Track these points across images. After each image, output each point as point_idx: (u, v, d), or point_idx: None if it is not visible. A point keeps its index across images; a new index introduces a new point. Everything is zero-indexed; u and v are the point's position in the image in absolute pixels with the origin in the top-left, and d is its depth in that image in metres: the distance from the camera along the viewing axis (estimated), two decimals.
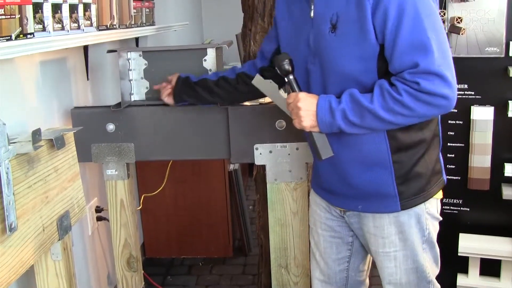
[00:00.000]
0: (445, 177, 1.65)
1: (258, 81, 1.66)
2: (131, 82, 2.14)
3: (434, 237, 1.62)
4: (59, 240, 1.70)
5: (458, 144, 2.43)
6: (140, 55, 2.13)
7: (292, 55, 1.59)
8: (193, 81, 1.94)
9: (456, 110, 2.40)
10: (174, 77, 1.99)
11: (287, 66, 1.55)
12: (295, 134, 2.01)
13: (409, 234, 1.57)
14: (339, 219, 1.72)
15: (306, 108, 1.49)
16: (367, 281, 1.86)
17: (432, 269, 1.64)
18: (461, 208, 2.50)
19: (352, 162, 1.56)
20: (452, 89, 1.37)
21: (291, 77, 1.56)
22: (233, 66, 2.01)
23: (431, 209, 1.59)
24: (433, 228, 1.61)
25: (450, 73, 1.38)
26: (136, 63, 2.14)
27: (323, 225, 1.75)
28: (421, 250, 1.60)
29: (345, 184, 1.60)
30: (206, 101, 1.95)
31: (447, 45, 1.41)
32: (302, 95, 1.51)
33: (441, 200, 1.66)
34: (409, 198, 1.55)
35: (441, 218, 1.64)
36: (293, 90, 1.55)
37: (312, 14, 1.53)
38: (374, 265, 1.77)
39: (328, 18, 1.47)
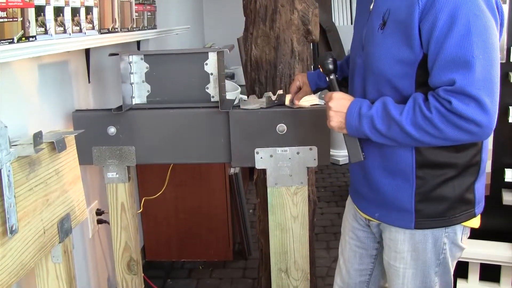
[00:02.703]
0: (478, 210, 1.52)
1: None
2: (133, 85, 2.14)
3: (451, 263, 1.55)
4: (59, 242, 1.70)
5: None
6: (141, 59, 2.14)
7: (352, 47, 1.58)
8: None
9: None
10: (302, 81, 1.95)
11: (330, 66, 1.57)
12: (296, 139, 2.01)
13: (422, 254, 1.52)
14: (365, 228, 1.69)
15: (336, 109, 1.47)
16: None
17: None
18: None
19: (378, 166, 1.52)
20: (489, 117, 1.27)
21: (332, 76, 1.57)
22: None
23: (453, 234, 1.51)
24: (451, 254, 1.53)
25: (490, 100, 1.26)
26: (137, 66, 2.14)
27: (350, 233, 1.74)
28: (433, 273, 1.54)
29: (369, 187, 1.56)
30: None
31: (496, 70, 1.29)
32: (337, 95, 1.49)
33: (472, 229, 1.55)
34: (426, 219, 1.48)
35: (465, 247, 1.55)
36: (333, 90, 1.56)
37: (371, 7, 1.49)
38: None
39: (381, 14, 1.41)
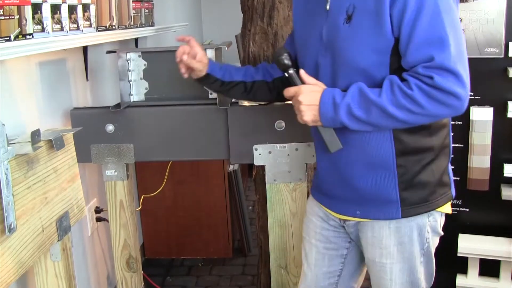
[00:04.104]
0: (453, 191, 1.58)
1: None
2: (131, 82, 2.14)
3: (433, 251, 1.58)
4: (58, 240, 1.70)
5: (457, 145, 2.43)
6: (139, 56, 2.13)
7: (303, 49, 1.57)
8: (222, 80, 1.80)
9: None
10: (200, 51, 1.76)
11: (286, 60, 1.53)
12: (294, 135, 2.01)
13: (408, 246, 1.52)
14: (337, 229, 1.66)
15: (308, 103, 1.45)
16: None
17: (425, 284, 1.60)
18: (461, 209, 2.50)
19: (355, 162, 1.50)
20: (466, 89, 1.33)
21: (291, 71, 1.53)
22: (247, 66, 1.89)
23: (434, 223, 1.54)
24: (433, 243, 1.56)
25: (465, 73, 1.33)
26: (135, 63, 2.14)
27: (317, 235, 1.69)
28: (419, 264, 1.55)
29: (346, 187, 1.54)
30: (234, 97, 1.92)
31: (464, 45, 1.36)
32: (305, 89, 1.47)
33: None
34: (411, 206, 1.49)
35: (442, 233, 1.59)
36: (295, 85, 1.52)
37: (328, 7, 1.49)
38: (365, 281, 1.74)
39: (344, 9, 1.43)
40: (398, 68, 1.39)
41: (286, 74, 1.54)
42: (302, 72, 1.51)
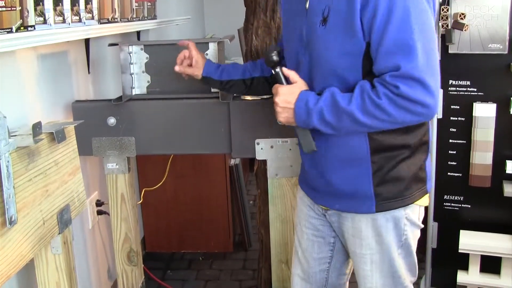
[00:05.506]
0: (429, 187, 1.59)
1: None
2: (132, 75, 2.14)
3: (412, 244, 1.58)
4: (59, 233, 1.69)
5: (459, 141, 2.43)
6: (141, 49, 2.13)
7: (288, 46, 1.59)
8: (220, 80, 1.90)
9: (458, 107, 2.40)
10: (196, 55, 1.90)
11: (275, 57, 1.55)
12: None
13: (385, 237, 1.54)
14: (322, 217, 1.69)
15: (283, 105, 1.49)
16: (347, 285, 1.83)
17: (407, 276, 1.61)
18: (462, 205, 2.49)
19: (331, 158, 1.54)
20: (434, 98, 1.32)
21: (277, 69, 1.55)
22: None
23: (412, 215, 1.55)
24: (412, 235, 1.57)
25: (434, 81, 1.32)
26: (137, 56, 2.13)
27: (306, 223, 1.73)
28: (397, 255, 1.56)
29: (324, 181, 1.58)
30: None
31: (434, 52, 1.35)
32: (282, 90, 1.50)
33: (426, 208, 1.61)
34: (386, 201, 1.51)
35: (422, 226, 1.60)
36: (280, 83, 1.55)
37: (307, 6, 1.51)
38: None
39: (320, 11, 1.44)
40: (371, 71, 1.40)
41: (273, 72, 1.57)
42: (285, 69, 1.54)
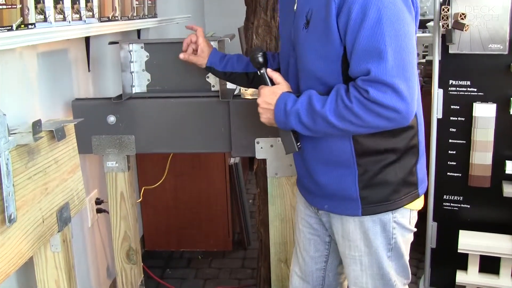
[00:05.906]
0: (421, 191, 1.56)
1: None
2: (133, 74, 2.13)
3: (403, 247, 1.57)
4: (58, 231, 1.69)
5: (459, 141, 2.43)
6: (141, 47, 2.12)
7: (282, 46, 1.61)
8: (223, 71, 1.91)
9: (458, 107, 2.40)
10: (202, 43, 1.92)
11: (260, 59, 1.56)
12: None
13: (373, 240, 1.53)
14: (317, 216, 1.70)
15: (264, 106, 1.51)
16: (345, 284, 1.82)
17: (399, 279, 1.60)
18: (462, 205, 2.50)
19: (318, 159, 1.54)
20: (406, 103, 1.29)
21: (262, 70, 1.57)
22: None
23: (401, 219, 1.53)
24: (402, 239, 1.56)
25: (406, 86, 1.29)
26: (137, 55, 2.13)
27: (303, 221, 1.74)
28: (386, 258, 1.55)
29: (312, 181, 1.59)
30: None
31: (410, 56, 1.32)
32: (263, 91, 1.52)
33: (419, 212, 1.59)
34: (372, 205, 1.49)
35: (414, 230, 1.58)
36: (265, 84, 1.56)
37: (295, 8, 1.52)
38: None
39: (305, 13, 1.45)
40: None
41: (259, 72, 1.58)
42: (269, 70, 1.56)
